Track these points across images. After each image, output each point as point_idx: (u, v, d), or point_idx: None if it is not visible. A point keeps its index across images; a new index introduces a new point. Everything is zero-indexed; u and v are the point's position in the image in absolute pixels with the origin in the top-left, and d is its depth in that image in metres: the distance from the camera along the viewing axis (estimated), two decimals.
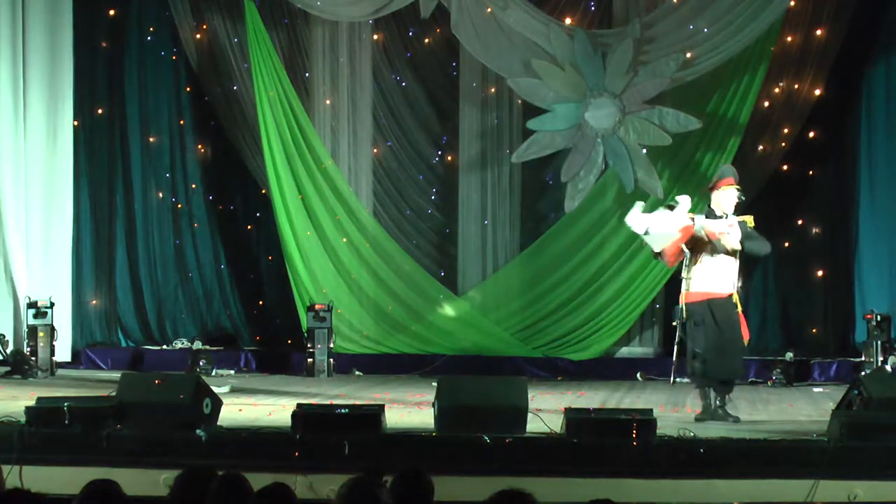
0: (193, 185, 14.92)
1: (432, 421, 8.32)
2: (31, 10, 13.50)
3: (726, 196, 9.50)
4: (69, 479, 6.57)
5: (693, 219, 9.45)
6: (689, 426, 8.30)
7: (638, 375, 13.24)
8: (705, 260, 9.42)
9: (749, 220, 9.57)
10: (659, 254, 9.66)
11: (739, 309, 9.44)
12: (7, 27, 13.33)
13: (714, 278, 9.39)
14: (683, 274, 9.51)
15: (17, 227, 13.47)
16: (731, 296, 9.38)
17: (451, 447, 7.81)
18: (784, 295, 14.02)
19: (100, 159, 14.60)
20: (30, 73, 13.51)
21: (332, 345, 13.41)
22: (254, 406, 10.14)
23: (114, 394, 8.45)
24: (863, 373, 11.86)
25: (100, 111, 14.53)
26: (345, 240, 14.12)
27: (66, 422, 7.93)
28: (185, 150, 14.91)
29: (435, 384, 8.67)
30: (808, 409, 10.59)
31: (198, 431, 7.82)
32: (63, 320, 13.64)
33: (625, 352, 13.78)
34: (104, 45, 14.55)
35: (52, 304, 13.10)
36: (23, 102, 13.48)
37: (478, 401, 8.27)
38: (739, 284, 9.64)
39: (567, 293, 13.83)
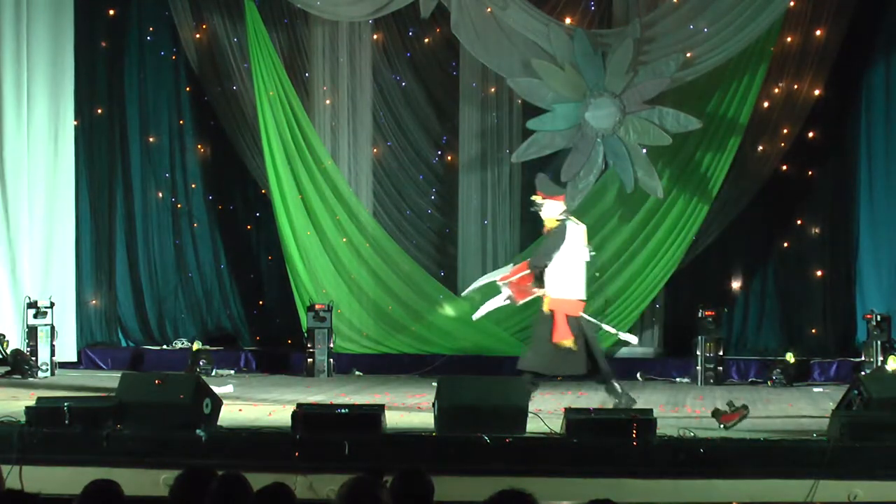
0: (193, 185, 14.93)
1: (432, 421, 8.32)
2: (35, 11, 13.49)
3: None
4: (69, 479, 6.58)
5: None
6: (689, 426, 8.31)
7: (638, 375, 13.25)
8: None
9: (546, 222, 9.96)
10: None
11: (546, 308, 9.72)
12: (11, 28, 13.32)
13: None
14: None
15: (23, 227, 13.47)
16: (542, 297, 9.83)
17: (451, 447, 7.79)
18: (784, 295, 14.01)
19: (100, 159, 14.59)
20: (33, 74, 13.50)
21: (332, 345, 13.42)
22: (254, 406, 10.14)
23: (114, 394, 8.45)
24: (863, 373, 11.85)
25: (100, 111, 14.53)
26: (345, 240, 14.11)
27: (66, 422, 7.93)
28: (185, 150, 14.92)
29: (435, 384, 8.67)
30: (808, 409, 10.59)
31: (198, 431, 7.82)
32: (68, 321, 13.65)
33: (625, 352, 13.72)
34: (104, 45, 14.55)
35: (52, 304, 13.09)
36: (26, 103, 13.46)
37: (478, 401, 8.26)
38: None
39: None
